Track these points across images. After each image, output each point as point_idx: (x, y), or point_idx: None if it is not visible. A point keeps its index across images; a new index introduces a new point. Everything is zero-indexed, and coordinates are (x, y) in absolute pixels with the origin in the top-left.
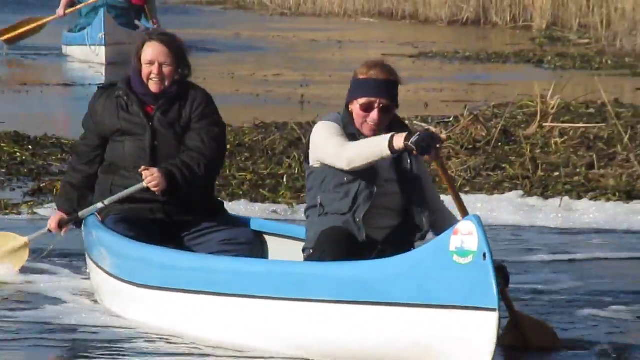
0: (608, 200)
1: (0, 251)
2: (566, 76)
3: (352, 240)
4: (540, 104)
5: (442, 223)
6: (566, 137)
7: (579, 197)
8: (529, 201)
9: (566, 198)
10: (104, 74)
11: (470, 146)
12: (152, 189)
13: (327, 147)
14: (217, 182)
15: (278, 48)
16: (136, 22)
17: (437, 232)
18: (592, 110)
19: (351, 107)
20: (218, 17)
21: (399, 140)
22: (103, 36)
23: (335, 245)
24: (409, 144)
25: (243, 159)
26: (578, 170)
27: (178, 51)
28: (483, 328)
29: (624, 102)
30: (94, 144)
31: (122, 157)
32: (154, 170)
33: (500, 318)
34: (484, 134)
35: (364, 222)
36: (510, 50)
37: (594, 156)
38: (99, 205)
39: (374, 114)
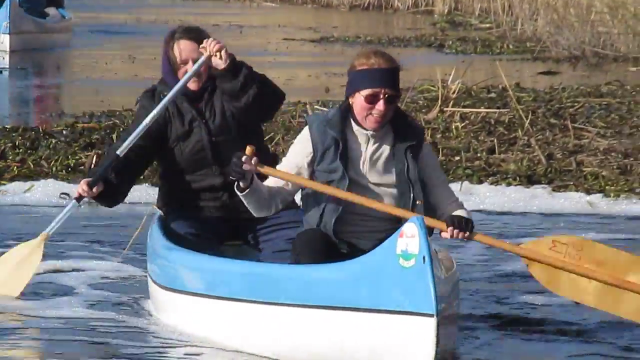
0: (509, 184)
1: (6, 269)
2: (467, 60)
3: (329, 243)
4: (441, 88)
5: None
6: (467, 122)
7: (480, 182)
8: None
9: (466, 182)
10: (7, 62)
11: None
12: (217, 54)
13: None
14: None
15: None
16: (47, 9)
17: None
18: (493, 95)
19: (352, 100)
20: (119, 1)
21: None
22: (7, 24)
23: (310, 248)
24: (236, 185)
25: None
26: (479, 154)
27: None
28: (422, 334)
29: (525, 86)
30: (147, 143)
31: (182, 160)
32: (211, 40)
33: (438, 325)
34: None
35: (348, 232)
36: (411, 34)
37: (495, 141)
38: (118, 152)
39: (380, 105)
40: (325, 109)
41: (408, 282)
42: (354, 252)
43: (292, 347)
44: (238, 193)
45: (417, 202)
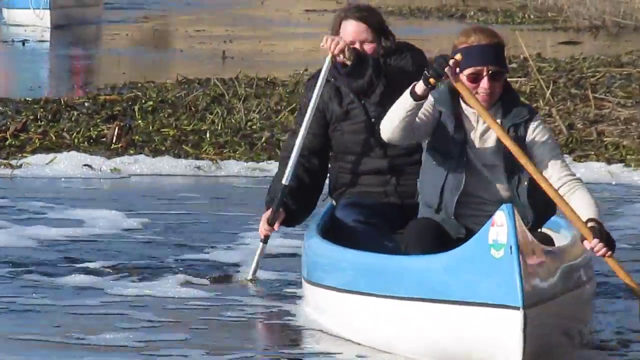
0: None
1: None
2: None
3: (441, 233)
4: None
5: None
6: None
7: None
8: None
9: None
10: (49, 38)
11: None
12: (340, 55)
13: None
14: (148, 139)
15: (200, 4)
16: None
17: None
18: (514, 65)
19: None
20: None
21: (418, 83)
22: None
23: (420, 239)
24: (424, 76)
25: (166, 115)
26: None
27: (377, 25)
28: (509, 328)
29: (546, 56)
30: (318, 143)
31: (343, 142)
32: (328, 37)
33: (526, 318)
34: None
35: (463, 216)
36: (433, 5)
37: None
38: (283, 183)
39: (484, 83)
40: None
41: (497, 273)
42: (469, 237)
43: (390, 338)
44: (410, 99)
45: (521, 184)
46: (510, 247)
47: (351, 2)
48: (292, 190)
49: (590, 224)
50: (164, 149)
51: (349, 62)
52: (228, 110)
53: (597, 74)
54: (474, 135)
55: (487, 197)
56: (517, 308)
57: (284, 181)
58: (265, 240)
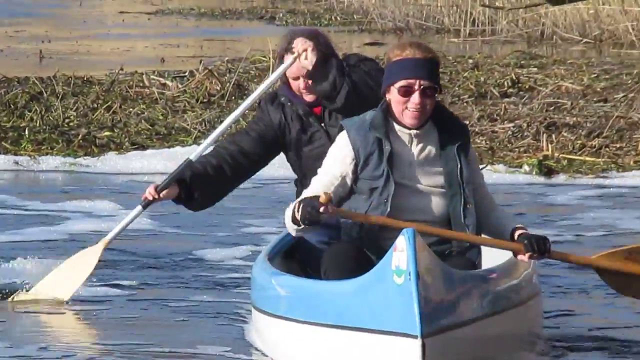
0: None
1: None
2: None
3: (360, 257)
4: (272, 59)
5: (497, 229)
6: None
7: None
8: None
9: None
10: None
11: (205, 100)
12: (304, 54)
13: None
14: None
15: (21, 3)
16: None
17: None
18: None
19: (388, 96)
20: None
21: (299, 213)
22: None
23: (338, 264)
24: (298, 219)
25: None
26: None
27: (325, 43)
28: (408, 357)
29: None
30: (253, 149)
31: (306, 167)
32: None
33: (424, 346)
34: (218, 88)
35: (389, 239)
36: (243, 7)
37: None
38: (191, 157)
39: (415, 97)
40: (161, 79)
41: (397, 300)
42: None
43: None
44: (293, 226)
45: (468, 206)
46: (409, 274)
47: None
48: (205, 175)
49: (518, 233)
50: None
51: (310, 66)
52: (46, 108)
53: None
54: (410, 157)
55: (418, 218)
56: (415, 337)
57: (192, 157)
58: (145, 205)
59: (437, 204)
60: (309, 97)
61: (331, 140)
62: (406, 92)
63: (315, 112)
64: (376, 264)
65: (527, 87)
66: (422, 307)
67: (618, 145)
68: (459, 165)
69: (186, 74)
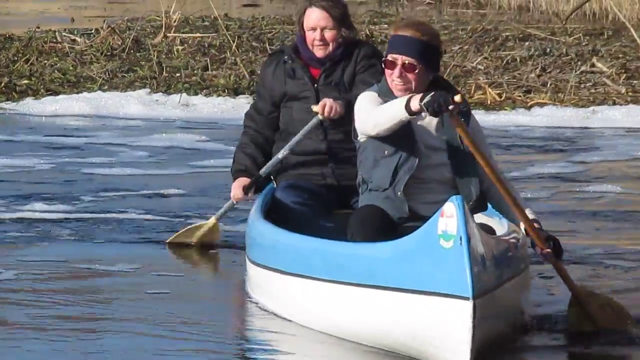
0: (219, 95)
1: (195, 236)
2: None
3: (385, 219)
4: (165, 18)
5: (499, 195)
6: (186, 45)
7: (196, 94)
8: (155, 97)
9: (185, 94)
10: None
11: (109, 53)
12: (329, 116)
13: (361, 114)
14: None
15: None
16: None
17: (497, 205)
18: (206, 23)
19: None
20: None
21: (415, 101)
22: None
23: (365, 227)
24: (422, 104)
25: None
26: (195, 72)
27: (339, 15)
28: (458, 317)
29: (232, 16)
30: (267, 110)
31: (291, 122)
32: (325, 100)
33: (475, 308)
34: (119, 43)
35: (408, 196)
36: None
37: (208, 60)
38: (279, 156)
39: (396, 71)
40: (71, 35)
41: (447, 263)
42: (415, 219)
43: (339, 324)
44: (405, 113)
45: (463, 166)
46: (460, 238)
47: None
48: (261, 160)
49: (537, 227)
50: None
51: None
52: None
53: (273, 30)
54: (419, 121)
55: (430, 177)
56: (467, 299)
57: (283, 152)
58: (235, 202)
59: (440, 161)
60: (319, 53)
61: (318, 100)
62: (390, 65)
63: (312, 73)
64: (397, 220)
65: (379, 40)
66: (473, 270)
67: None
68: (458, 135)
69: (92, 31)
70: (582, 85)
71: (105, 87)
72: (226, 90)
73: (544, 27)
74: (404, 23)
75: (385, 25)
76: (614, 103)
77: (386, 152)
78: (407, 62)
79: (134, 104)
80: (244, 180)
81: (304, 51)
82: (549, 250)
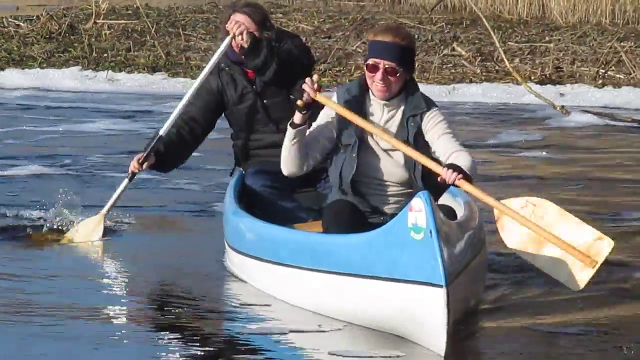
0: (139, 72)
1: (80, 234)
2: None
3: (356, 214)
4: (95, 7)
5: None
6: (112, 30)
7: (120, 71)
8: (86, 73)
9: (111, 72)
10: None
11: (47, 36)
12: (240, 36)
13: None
14: None
15: None
16: None
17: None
18: (130, 12)
19: (365, 69)
20: None
21: (295, 116)
22: None
23: (338, 219)
24: (296, 105)
25: None
26: (120, 53)
27: (259, 18)
28: (433, 303)
29: (152, 6)
30: (200, 115)
31: (243, 122)
32: (233, 18)
33: (448, 294)
34: (57, 28)
35: (369, 195)
36: None
37: (131, 43)
38: (160, 133)
39: (378, 75)
40: (16, 21)
41: (419, 254)
42: (376, 213)
43: (321, 308)
44: (290, 129)
45: (417, 167)
46: (430, 231)
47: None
48: (171, 143)
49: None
50: None
51: (246, 45)
52: None
53: (186, 18)
54: (378, 123)
55: (385, 179)
56: (441, 286)
57: (161, 132)
58: (132, 177)
59: (396, 164)
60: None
61: (260, 99)
62: (372, 68)
63: (249, 75)
64: (369, 217)
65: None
66: (444, 259)
67: (338, 69)
68: (407, 131)
69: (34, 18)
70: (444, 66)
71: (44, 65)
72: (145, 68)
73: (413, 17)
74: (382, 28)
75: (281, 15)
76: (471, 81)
77: (337, 155)
78: (388, 66)
79: (68, 79)
80: (137, 156)
81: (232, 56)
82: (446, 169)
